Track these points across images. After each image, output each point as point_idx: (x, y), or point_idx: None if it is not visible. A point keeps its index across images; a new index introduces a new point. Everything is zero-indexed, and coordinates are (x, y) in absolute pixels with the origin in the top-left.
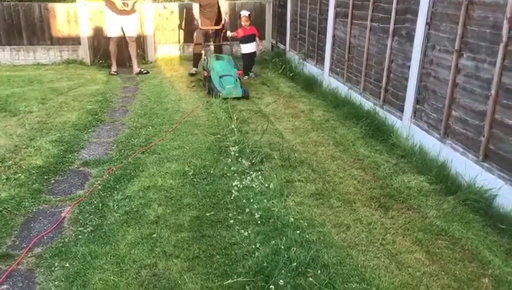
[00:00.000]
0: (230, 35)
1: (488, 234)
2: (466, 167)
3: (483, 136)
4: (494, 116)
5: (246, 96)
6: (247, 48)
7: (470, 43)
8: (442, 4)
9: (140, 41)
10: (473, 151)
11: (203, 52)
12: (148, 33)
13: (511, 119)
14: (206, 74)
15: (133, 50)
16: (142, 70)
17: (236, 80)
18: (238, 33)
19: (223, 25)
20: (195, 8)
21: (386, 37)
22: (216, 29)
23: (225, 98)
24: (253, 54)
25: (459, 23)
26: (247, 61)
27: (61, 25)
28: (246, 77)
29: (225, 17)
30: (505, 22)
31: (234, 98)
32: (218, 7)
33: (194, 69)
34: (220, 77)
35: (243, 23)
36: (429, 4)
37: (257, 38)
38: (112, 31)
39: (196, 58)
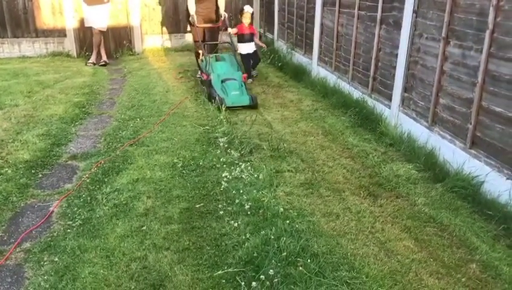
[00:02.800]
0: (231, 33)
1: (476, 220)
2: (454, 154)
3: (471, 124)
4: (481, 104)
5: (254, 105)
6: (246, 48)
7: (457, 30)
8: None
9: (127, 32)
10: (461, 138)
11: (200, 51)
12: (134, 24)
13: (497, 107)
14: (205, 77)
15: (95, 40)
16: (96, 62)
17: (242, 85)
18: (238, 29)
19: (222, 21)
20: (191, 2)
21: (373, 26)
22: (213, 27)
23: (230, 108)
24: (252, 54)
25: (446, 10)
26: (247, 63)
27: (46, 16)
28: (249, 80)
29: (224, 12)
30: (491, 9)
31: (240, 106)
32: (216, 1)
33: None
34: (223, 81)
35: (243, 20)
36: None
37: (256, 38)
38: (88, 21)
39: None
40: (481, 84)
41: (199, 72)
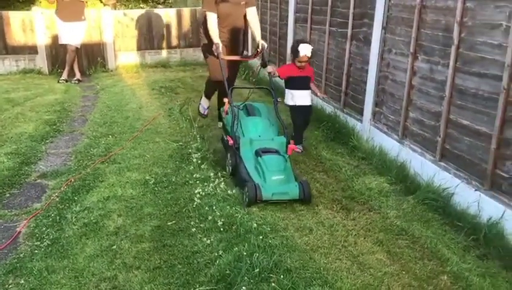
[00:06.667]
0: (270, 72)
1: (446, 231)
2: (424, 167)
3: (439, 136)
4: (449, 117)
5: (306, 199)
6: (300, 98)
7: (424, 46)
8: (396, 8)
9: (100, 49)
10: (430, 151)
11: (226, 100)
12: (107, 41)
13: (464, 119)
14: (230, 141)
15: (69, 57)
16: (68, 79)
17: (287, 160)
18: (283, 71)
19: (259, 52)
20: (212, 21)
21: (344, 42)
22: (242, 60)
23: (268, 201)
24: (308, 108)
25: (413, 26)
26: (300, 120)
27: (16, 33)
28: (299, 148)
29: (262, 41)
30: (455, 25)
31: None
32: (245, 23)
33: (205, 103)
34: (258, 154)
35: (298, 63)
36: (384, 8)
37: (312, 84)
38: (63, 38)
39: (211, 90)
40: (449, 98)
41: (222, 129)
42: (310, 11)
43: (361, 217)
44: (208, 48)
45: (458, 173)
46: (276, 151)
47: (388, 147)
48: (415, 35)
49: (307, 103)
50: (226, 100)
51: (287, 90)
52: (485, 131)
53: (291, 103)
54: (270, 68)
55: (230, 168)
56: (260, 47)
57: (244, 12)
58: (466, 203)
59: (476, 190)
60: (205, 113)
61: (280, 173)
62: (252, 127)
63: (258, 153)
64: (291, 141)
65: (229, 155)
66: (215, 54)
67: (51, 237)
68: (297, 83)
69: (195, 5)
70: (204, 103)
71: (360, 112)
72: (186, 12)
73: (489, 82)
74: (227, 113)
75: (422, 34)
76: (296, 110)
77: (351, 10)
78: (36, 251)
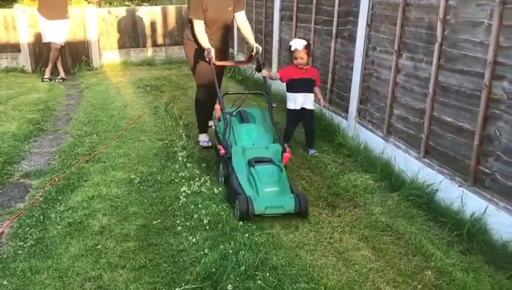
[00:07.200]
0: (265, 76)
1: (431, 227)
2: (409, 164)
3: (423, 133)
4: (433, 114)
5: (303, 213)
6: (298, 100)
7: (408, 43)
8: (380, 6)
9: (84, 47)
10: (415, 148)
11: (218, 106)
12: (92, 39)
13: (448, 116)
14: (222, 150)
15: (53, 55)
16: (52, 78)
17: (282, 170)
18: (284, 73)
19: (253, 56)
20: (200, 29)
21: (329, 39)
22: (239, 64)
23: (261, 215)
24: (307, 113)
25: (397, 24)
26: (291, 124)
27: None
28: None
29: (256, 44)
30: (438, 22)
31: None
32: (231, 27)
33: (203, 137)
34: (251, 163)
35: (295, 61)
36: (369, 6)
37: (317, 88)
38: (47, 36)
39: (203, 115)
40: (432, 95)
41: (202, 138)
42: (295, 9)
43: (347, 214)
44: (199, 53)
45: (442, 170)
46: (270, 161)
47: (373, 144)
48: (399, 33)
49: (308, 106)
50: (217, 106)
51: (288, 94)
52: (467, 127)
53: (291, 107)
54: (265, 72)
55: (223, 179)
56: (255, 50)
57: (231, 18)
58: (450, 199)
59: (459, 186)
60: (209, 144)
61: (274, 184)
62: (245, 134)
63: (251, 163)
64: (287, 149)
65: (221, 165)
66: (207, 59)
67: (35, 237)
68: (298, 85)
69: (180, 3)
70: (202, 138)
71: (346, 110)
72: (171, 10)
73: (471, 79)
74: (219, 120)
75: (406, 32)
76: (293, 113)
77: (336, 8)
78: (19, 251)
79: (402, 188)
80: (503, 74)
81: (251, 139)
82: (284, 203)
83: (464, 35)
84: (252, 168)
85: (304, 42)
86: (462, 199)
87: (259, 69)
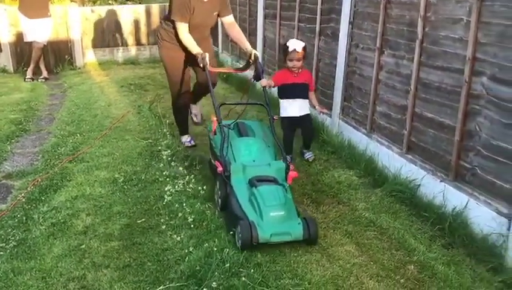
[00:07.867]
0: (265, 85)
1: (413, 222)
2: (391, 160)
3: (406, 130)
4: (415, 110)
5: (313, 240)
6: (292, 108)
7: (390, 40)
8: (363, 4)
9: (67, 46)
10: (397, 144)
11: (214, 118)
12: (75, 38)
13: (429, 113)
14: (219, 168)
15: (35, 54)
16: (34, 77)
17: (287, 191)
18: (276, 78)
19: (252, 63)
20: (185, 32)
21: (313, 37)
22: (237, 71)
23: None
24: (303, 119)
25: (379, 21)
26: (288, 135)
27: None
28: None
29: (254, 50)
30: (419, 20)
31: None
32: (212, 32)
33: (186, 138)
34: (252, 183)
35: (290, 63)
36: (351, 4)
37: (311, 93)
38: (29, 36)
39: (183, 120)
40: (414, 92)
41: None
42: (278, 7)
43: (331, 210)
44: (176, 56)
45: (424, 165)
46: (274, 180)
47: (357, 140)
48: (381, 30)
49: (301, 113)
50: (213, 118)
51: (280, 101)
52: (448, 123)
53: (284, 115)
54: (264, 82)
55: (220, 201)
56: (253, 57)
57: (213, 23)
58: (432, 194)
59: (441, 181)
60: (192, 143)
61: (280, 207)
62: (244, 150)
63: (253, 183)
64: (291, 167)
65: (218, 184)
66: (201, 65)
67: (17, 237)
68: (290, 90)
69: (164, 1)
70: (184, 139)
71: (329, 107)
72: (155, 8)
73: (451, 75)
74: (215, 133)
75: (388, 29)
76: (287, 121)
77: (319, 6)
78: (1, 253)
79: (385, 183)
80: (482, 70)
81: (251, 155)
82: (291, 230)
83: (443, 32)
84: (254, 188)
85: (302, 43)
86: (443, 194)
87: (258, 78)
